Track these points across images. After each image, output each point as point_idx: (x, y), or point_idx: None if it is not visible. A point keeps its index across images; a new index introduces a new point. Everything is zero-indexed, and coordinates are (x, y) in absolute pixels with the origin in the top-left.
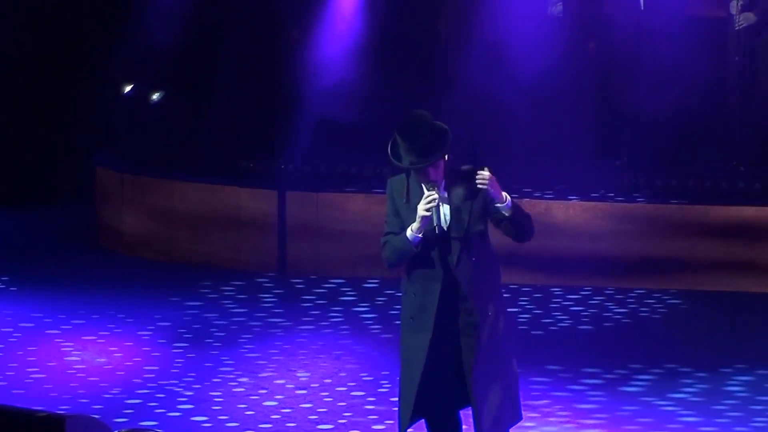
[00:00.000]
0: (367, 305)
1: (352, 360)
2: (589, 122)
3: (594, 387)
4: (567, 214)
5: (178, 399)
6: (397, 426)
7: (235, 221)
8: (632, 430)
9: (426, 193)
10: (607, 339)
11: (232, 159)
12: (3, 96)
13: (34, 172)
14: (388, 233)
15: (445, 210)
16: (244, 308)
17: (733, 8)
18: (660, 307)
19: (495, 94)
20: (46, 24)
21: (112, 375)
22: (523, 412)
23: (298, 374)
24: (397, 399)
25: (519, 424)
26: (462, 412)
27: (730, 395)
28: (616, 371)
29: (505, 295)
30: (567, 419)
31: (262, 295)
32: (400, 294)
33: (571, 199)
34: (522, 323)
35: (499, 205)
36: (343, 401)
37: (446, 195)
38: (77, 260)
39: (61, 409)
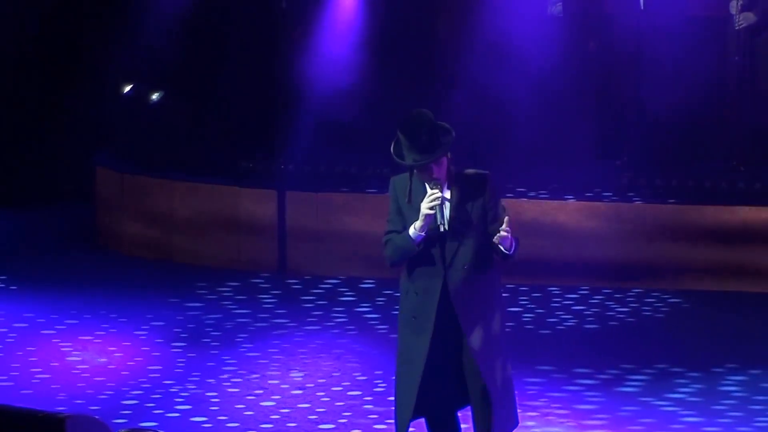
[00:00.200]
0: (368, 305)
1: (352, 359)
2: (589, 122)
3: (589, 387)
4: (566, 213)
5: (176, 400)
6: (395, 426)
7: (234, 221)
8: (636, 431)
9: (429, 191)
10: (602, 339)
11: (231, 159)
12: (3, 96)
13: (34, 172)
14: (389, 232)
15: (447, 209)
16: (244, 308)
17: (733, 8)
18: (660, 307)
19: (495, 94)
20: (46, 24)
21: (117, 375)
22: (519, 418)
23: (299, 374)
24: (393, 398)
25: (519, 425)
26: (461, 413)
27: (727, 395)
28: (609, 371)
29: (504, 295)
30: (568, 420)
31: (262, 295)
32: (399, 294)
33: (570, 199)
34: (520, 323)
35: (502, 248)
36: (343, 401)
37: (449, 194)
38: (77, 260)
39: (75, 410)
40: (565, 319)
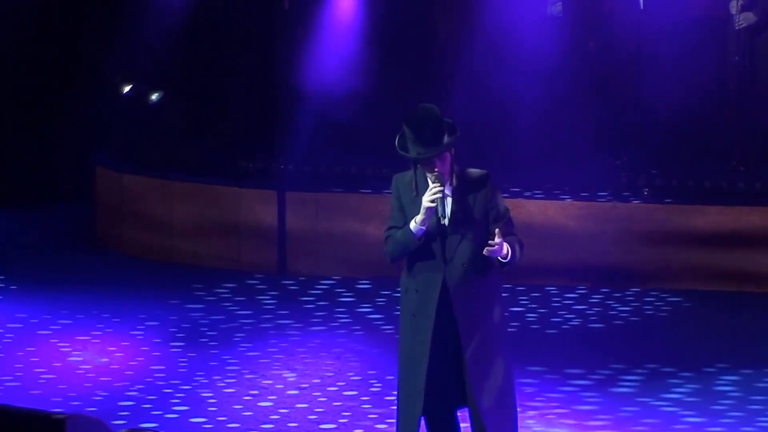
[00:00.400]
0: (369, 305)
1: (353, 360)
2: (589, 122)
3: (585, 388)
4: (565, 213)
5: (171, 401)
6: (396, 427)
7: (234, 221)
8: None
9: (431, 185)
10: (599, 339)
11: (231, 159)
12: (3, 96)
13: (34, 172)
14: (391, 228)
15: (448, 204)
16: (243, 309)
17: (733, 8)
18: (661, 306)
19: (495, 93)
20: (46, 24)
21: (123, 375)
22: (518, 420)
23: (300, 374)
24: (393, 398)
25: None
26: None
27: (723, 395)
28: (601, 371)
29: (503, 295)
30: (567, 419)
31: (262, 296)
32: (398, 295)
33: (569, 199)
34: (516, 323)
35: (500, 258)
36: (344, 401)
37: (451, 190)
38: (76, 260)
39: (89, 410)
40: (563, 319)
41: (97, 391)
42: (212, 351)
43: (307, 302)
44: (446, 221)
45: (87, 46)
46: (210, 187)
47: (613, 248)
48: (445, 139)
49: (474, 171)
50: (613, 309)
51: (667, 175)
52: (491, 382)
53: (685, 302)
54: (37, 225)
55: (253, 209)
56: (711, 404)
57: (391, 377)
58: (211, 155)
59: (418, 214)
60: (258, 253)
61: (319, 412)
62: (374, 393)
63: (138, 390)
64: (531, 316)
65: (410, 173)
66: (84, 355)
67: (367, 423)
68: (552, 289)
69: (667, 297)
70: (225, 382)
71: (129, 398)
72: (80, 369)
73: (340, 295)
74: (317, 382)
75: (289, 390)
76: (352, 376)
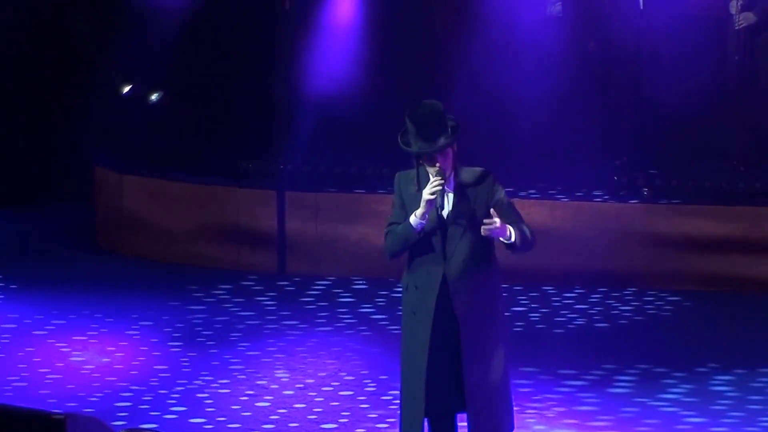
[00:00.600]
0: (369, 305)
1: (355, 359)
2: (589, 122)
3: (581, 389)
4: (564, 213)
5: (168, 402)
6: (399, 428)
7: (234, 222)
8: None
9: (432, 179)
10: (595, 339)
11: (231, 159)
12: (3, 96)
13: (34, 173)
14: (391, 224)
15: (449, 199)
16: (243, 309)
17: (733, 8)
18: (662, 306)
19: (494, 93)
20: (46, 24)
21: (129, 375)
22: (515, 421)
23: (302, 375)
24: (389, 398)
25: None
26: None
27: (720, 395)
28: (594, 372)
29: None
30: (568, 418)
31: (261, 297)
32: (399, 295)
33: (569, 199)
34: (516, 323)
35: (502, 240)
36: (344, 401)
37: (453, 185)
38: (76, 261)
39: (99, 408)
40: (563, 320)
41: (105, 391)
42: (211, 351)
43: (307, 302)
44: (447, 216)
45: (87, 46)
46: (209, 188)
47: (612, 248)
48: (448, 134)
49: (476, 168)
50: (612, 310)
51: (667, 175)
52: (488, 381)
53: (684, 302)
54: (36, 225)
55: (252, 210)
56: (710, 404)
57: (385, 377)
58: (210, 155)
59: (418, 209)
60: (258, 254)
61: (318, 411)
62: (371, 393)
63: (145, 390)
64: (534, 316)
65: (413, 171)
66: (85, 355)
67: (368, 424)
68: (549, 289)
69: (667, 297)
70: (226, 382)
71: (140, 398)
72: (84, 369)
73: (339, 295)
74: (317, 382)
75: (286, 390)
76: (345, 375)
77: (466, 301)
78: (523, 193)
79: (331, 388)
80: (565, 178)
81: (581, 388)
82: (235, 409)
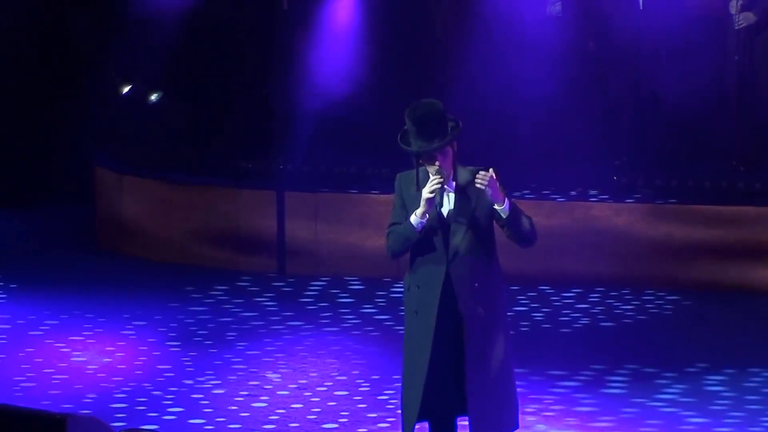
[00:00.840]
0: (370, 305)
1: (357, 359)
2: (588, 122)
3: (581, 388)
4: (564, 213)
5: (164, 403)
6: (401, 427)
7: (233, 222)
8: None
9: (432, 177)
10: (593, 339)
11: (231, 159)
12: (3, 96)
13: (34, 172)
14: (392, 224)
15: (450, 198)
16: (242, 309)
17: (733, 8)
18: (661, 305)
19: (493, 94)
20: (46, 24)
21: (134, 375)
22: (519, 420)
23: (305, 375)
24: (385, 397)
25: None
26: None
27: (716, 395)
28: (585, 373)
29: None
30: (568, 418)
31: (261, 296)
32: (399, 295)
33: (568, 199)
34: (514, 323)
35: (497, 207)
36: (345, 401)
37: (453, 185)
38: (76, 261)
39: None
40: (562, 320)
41: (113, 392)
42: (211, 350)
43: (307, 303)
44: (447, 215)
45: (87, 46)
46: (209, 188)
47: (612, 248)
48: (447, 133)
49: (476, 167)
50: (612, 309)
51: (667, 175)
52: (492, 380)
53: (684, 301)
54: (36, 225)
55: (252, 210)
56: (709, 405)
57: (377, 376)
58: (210, 156)
59: (418, 208)
60: (257, 254)
61: (318, 412)
62: (371, 393)
63: (151, 389)
64: (537, 316)
65: (413, 171)
66: (86, 355)
67: (368, 422)
68: (547, 289)
69: (666, 296)
70: (233, 380)
71: (149, 397)
72: (88, 369)
73: (339, 295)
74: (318, 383)
75: (288, 391)
76: (337, 376)
77: (468, 300)
78: (517, 193)
79: (325, 389)
80: (564, 178)
81: (581, 388)
82: (238, 408)
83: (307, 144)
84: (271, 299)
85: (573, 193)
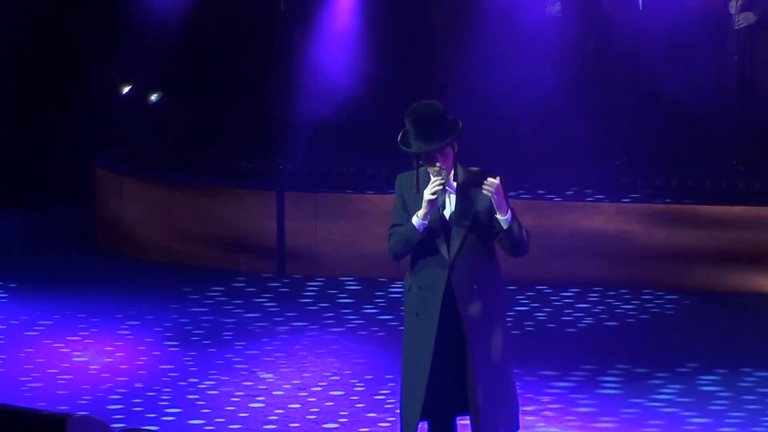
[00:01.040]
0: (370, 305)
1: (357, 359)
2: (588, 122)
3: (572, 389)
4: (563, 213)
5: (160, 403)
6: (400, 428)
7: (233, 222)
8: None
9: (433, 179)
10: (590, 340)
11: (231, 160)
12: (3, 97)
13: (34, 173)
14: (394, 226)
15: (451, 199)
16: (242, 309)
17: (733, 8)
18: (661, 305)
19: (493, 94)
20: (46, 24)
21: (138, 375)
22: (520, 421)
23: (306, 374)
24: (383, 397)
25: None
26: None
27: (713, 395)
28: (576, 373)
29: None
30: (572, 418)
31: (261, 296)
32: (399, 295)
33: (568, 200)
34: (513, 323)
35: (499, 216)
36: (344, 401)
37: (455, 186)
38: (76, 261)
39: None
40: (561, 320)
41: (118, 391)
42: (213, 350)
43: (307, 303)
44: (449, 217)
45: (87, 46)
46: (209, 188)
47: (612, 248)
48: (447, 134)
49: (478, 168)
50: (612, 310)
51: (667, 175)
52: (494, 380)
53: (683, 301)
54: (37, 225)
55: (252, 210)
56: (708, 405)
57: (370, 376)
58: (210, 156)
59: (420, 209)
60: (257, 254)
61: (318, 412)
62: (377, 395)
63: (158, 389)
64: (539, 316)
65: (413, 172)
66: (87, 356)
67: (369, 424)
68: (545, 288)
69: (666, 296)
70: (237, 382)
71: (145, 398)
72: (91, 369)
73: (339, 295)
74: (316, 382)
75: (276, 390)
76: (336, 376)
77: (469, 301)
78: (512, 193)
79: (320, 389)
80: (564, 178)
81: (577, 388)
82: (247, 407)
83: (307, 144)
84: (271, 299)
85: (579, 194)
